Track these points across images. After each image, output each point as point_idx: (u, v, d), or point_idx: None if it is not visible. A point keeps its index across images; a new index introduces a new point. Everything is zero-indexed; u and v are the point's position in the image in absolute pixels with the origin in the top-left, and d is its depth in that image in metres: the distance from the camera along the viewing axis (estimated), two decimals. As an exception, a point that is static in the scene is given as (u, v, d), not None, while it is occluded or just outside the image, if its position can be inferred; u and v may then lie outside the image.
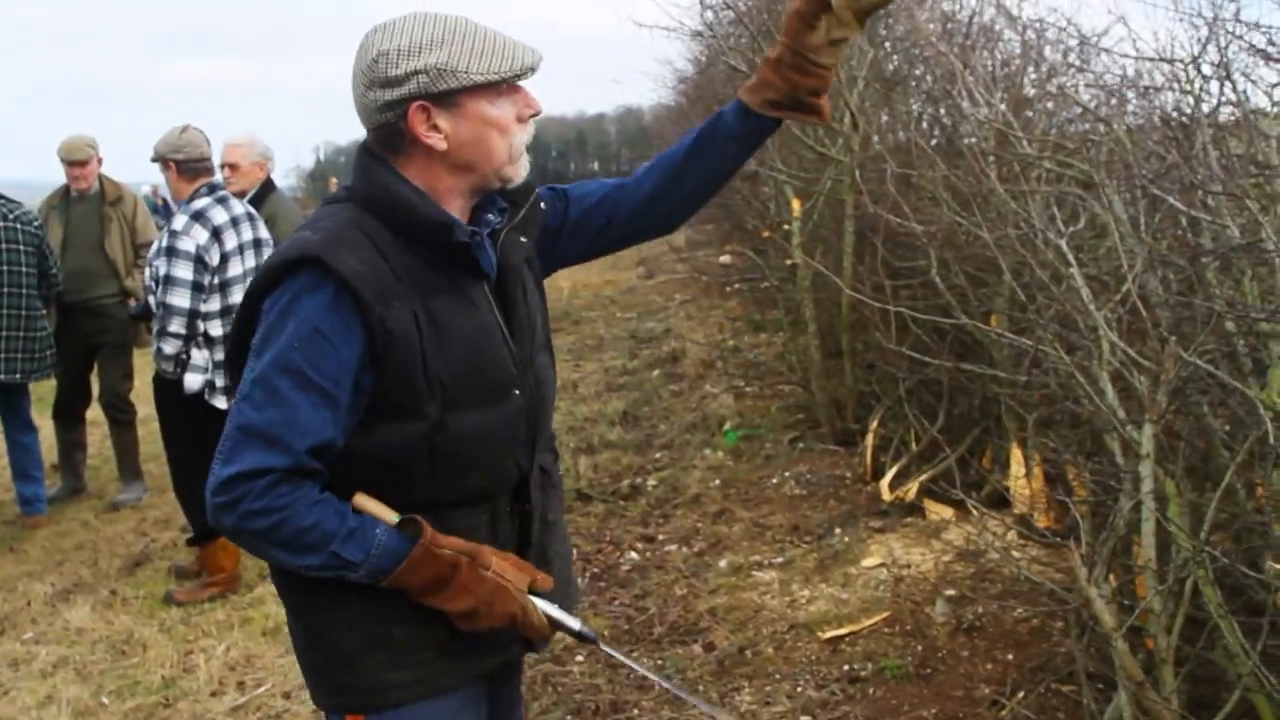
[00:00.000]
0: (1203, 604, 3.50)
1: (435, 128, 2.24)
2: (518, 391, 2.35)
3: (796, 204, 7.52)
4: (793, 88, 2.42)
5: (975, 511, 5.59)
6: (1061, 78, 6.15)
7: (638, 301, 16.52)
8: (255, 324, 2.20)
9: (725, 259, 16.23)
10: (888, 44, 8.18)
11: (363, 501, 2.23)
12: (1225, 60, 4.24)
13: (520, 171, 2.35)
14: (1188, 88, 4.49)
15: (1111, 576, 3.92)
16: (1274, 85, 4.42)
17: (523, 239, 2.44)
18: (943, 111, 7.16)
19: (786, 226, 7.78)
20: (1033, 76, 6.58)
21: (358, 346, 2.15)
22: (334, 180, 38.39)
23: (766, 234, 9.10)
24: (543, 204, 2.53)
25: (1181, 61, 4.37)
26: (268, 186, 7.01)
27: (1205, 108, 4.38)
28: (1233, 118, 4.53)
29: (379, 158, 2.31)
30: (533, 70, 2.27)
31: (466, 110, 2.24)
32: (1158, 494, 3.55)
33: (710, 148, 2.55)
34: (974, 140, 6.74)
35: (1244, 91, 4.41)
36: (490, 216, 2.42)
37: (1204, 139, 4.19)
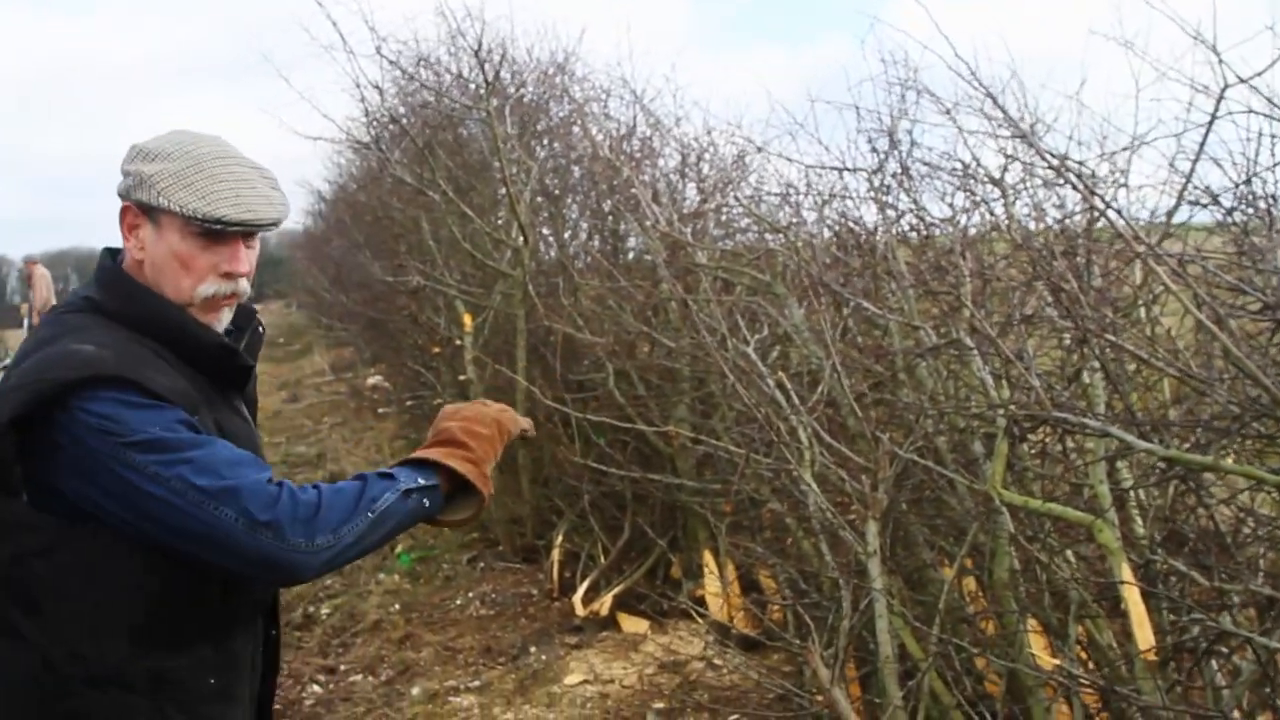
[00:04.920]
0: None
1: (136, 234, 2.20)
2: None
3: (468, 319, 7.41)
4: None
5: (689, 619, 5.58)
6: (725, 191, 6.30)
7: (285, 426, 15.85)
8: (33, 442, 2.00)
9: (374, 380, 15.88)
10: (549, 161, 8.24)
11: None
12: (906, 170, 4.43)
13: (215, 321, 2.25)
14: (867, 196, 4.66)
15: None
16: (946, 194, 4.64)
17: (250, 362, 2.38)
18: (609, 224, 7.24)
19: (459, 342, 7.64)
20: (693, 192, 6.75)
21: None
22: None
23: (436, 350, 8.91)
24: (262, 328, 2.48)
25: (865, 171, 4.54)
26: None
27: (888, 216, 4.56)
28: (910, 227, 4.73)
29: (116, 260, 2.26)
30: (241, 227, 2.17)
31: (164, 232, 2.17)
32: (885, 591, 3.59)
33: None
34: (643, 252, 6.85)
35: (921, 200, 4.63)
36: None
37: (891, 245, 4.34)
